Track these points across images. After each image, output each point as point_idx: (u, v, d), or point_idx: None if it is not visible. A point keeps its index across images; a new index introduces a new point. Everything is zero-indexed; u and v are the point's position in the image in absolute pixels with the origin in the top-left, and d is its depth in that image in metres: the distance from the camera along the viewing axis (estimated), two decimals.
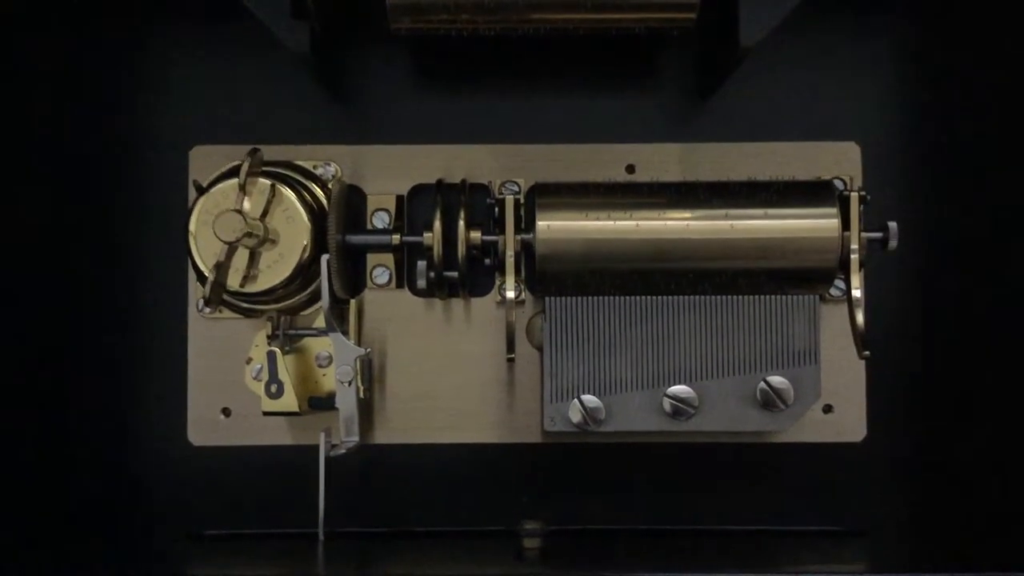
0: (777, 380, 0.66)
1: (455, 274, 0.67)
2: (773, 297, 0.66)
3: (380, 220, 0.71)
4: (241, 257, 0.65)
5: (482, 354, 0.71)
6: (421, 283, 0.67)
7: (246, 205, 0.65)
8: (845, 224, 0.65)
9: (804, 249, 0.65)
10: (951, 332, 0.71)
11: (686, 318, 0.67)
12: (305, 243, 0.66)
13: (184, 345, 0.71)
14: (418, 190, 0.71)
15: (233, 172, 0.67)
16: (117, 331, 0.72)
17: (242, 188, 0.65)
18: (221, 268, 0.64)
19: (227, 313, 0.70)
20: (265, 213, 0.66)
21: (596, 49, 0.71)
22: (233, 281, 0.65)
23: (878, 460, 0.71)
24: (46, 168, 0.71)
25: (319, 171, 0.71)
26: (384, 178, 0.71)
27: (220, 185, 0.66)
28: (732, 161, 0.71)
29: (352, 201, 0.71)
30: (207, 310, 0.71)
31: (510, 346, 0.66)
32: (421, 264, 0.67)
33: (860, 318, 0.65)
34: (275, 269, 0.66)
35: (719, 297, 0.66)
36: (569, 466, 0.71)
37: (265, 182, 0.66)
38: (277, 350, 0.68)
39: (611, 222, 0.65)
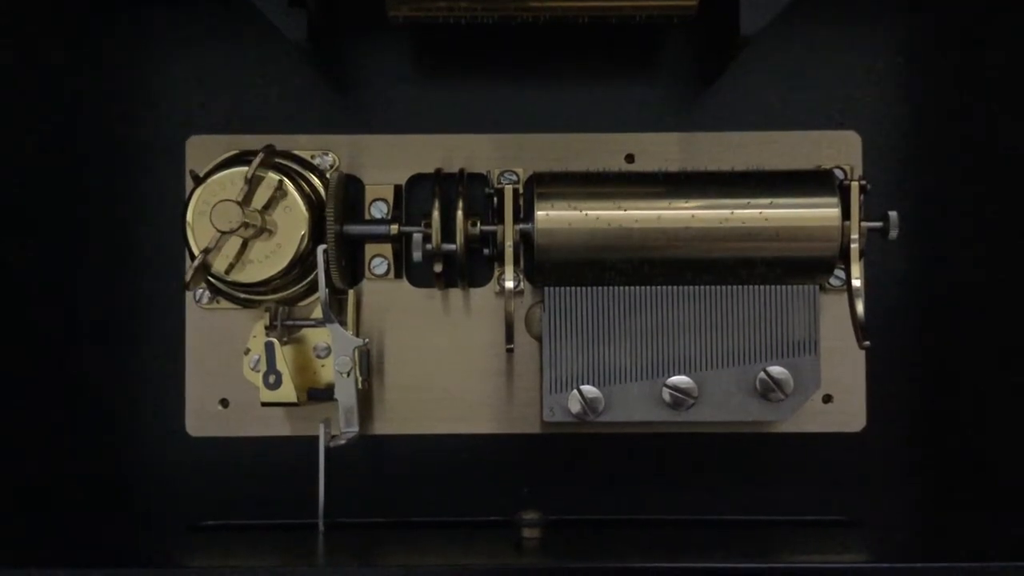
0: (777, 370, 0.66)
1: (453, 247, 0.66)
2: (773, 287, 0.66)
3: (378, 210, 0.71)
4: (233, 245, 0.65)
5: (481, 344, 0.71)
6: (417, 255, 0.66)
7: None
8: (845, 213, 0.65)
9: (804, 238, 0.65)
10: (951, 322, 0.71)
11: (686, 308, 0.66)
12: (303, 233, 0.66)
13: (182, 336, 0.71)
14: (416, 180, 0.71)
15: (229, 162, 0.67)
16: (115, 322, 0.71)
17: (248, 181, 0.64)
18: (208, 254, 0.64)
19: (225, 304, 0.70)
20: (267, 206, 0.66)
21: (596, 38, 0.71)
22: (220, 266, 0.65)
23: (877, 450, 0.71)
24: (42, 158, 0.71)
25: (317, 161, 0.71)
26: (382, 168, 0.71)
27: (217, 175, 0.66)
28: (732, 150, 0.71)
29: (350, 191, 0.71)
30: (204, 300, 0.70)
31: (509, 336, 0.66)
32: (417, 236, 0.66)
33: (860, 308, 0.65)
34: (272, 259, 0.66)
35: (719, 287, 0.66)
36: (568, 456, 0.71)
37: (274, 177, 0.66)
38: (275, 341, 0.67)
39: (610, 211, 0.65)
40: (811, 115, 0.71)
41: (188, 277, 0.64)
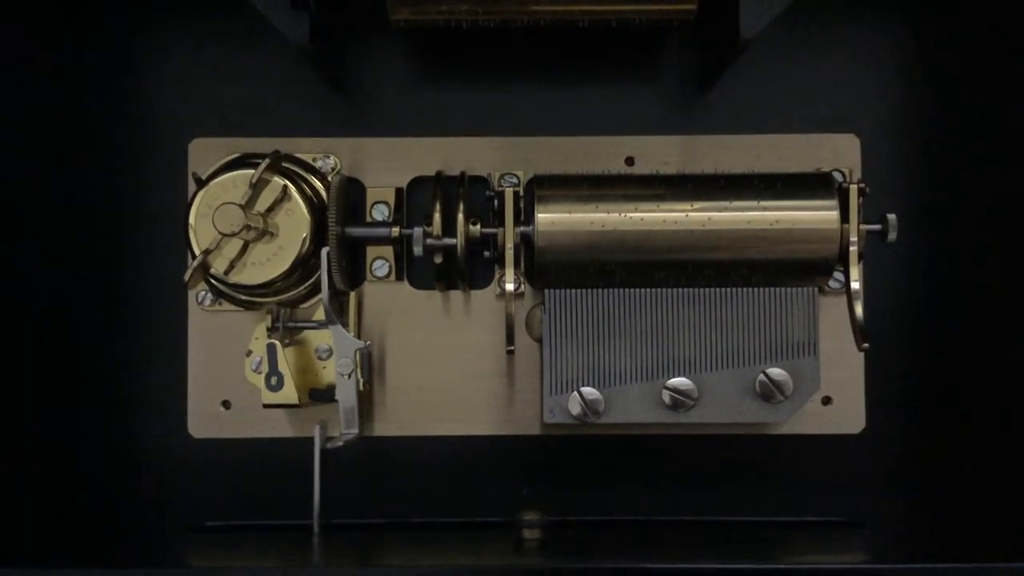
0: (776, 372, 0.66)
1: (453, 241, 0.66)
2: (772, 289, 0.67)
3: (379, 212, 0.71)
4: (234, 246, 0.65)
5: (481, 346, 0.71)
6: (418, 249, 0.66)
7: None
8: (844, 216, 0.65)
9: (803, 241, 0.65)
10: (949, 324, 0.71)
11: (685, 310, 0.67)
12: (304, 236, 0.66)
13: (184, 338, 0.71)
14: (417, 182, 0.71)
15: (232, 165, 0.68)
16: (117, 324, 0.72)
17: (252, 185, 0.65)
18: (209, 254, 0.64)
19: (227, 306, 0.70)
20: (270, 210, 0.66)
21: (596, 41, 0.71)
22: (220, 266, 0.65)
23: (877, 451, 0.71)
24: (45, 161, 0.71)
25: (318, 163, 0.71)
26: (383, 170, 0.71)
27: (220, 178, 0.66)
28: (731, 153, 0.71)
29: (351, 193, 0.71)
30: (206, 302, 0.71)
31: (509, 338, 0.66)
32: (418, 231, 0.66)
33: (859, 310, 0.65)
34: (274, 262, 0.66)
35: (718, 289, 0.67)
36: (568, 458, 0.71)
37: (279, 181, 0.66)
38: (277, 343, 0.68)
39: (610, 214, 0.65)
40: (810, 118, 0.71)
41: (187, 277, 0.64)
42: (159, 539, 0.69)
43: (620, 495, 0.71)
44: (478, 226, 0.67)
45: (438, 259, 0.68)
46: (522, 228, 0.66)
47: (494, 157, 0.71)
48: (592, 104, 0.72)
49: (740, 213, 0.65)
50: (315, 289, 0.69)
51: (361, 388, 0.68)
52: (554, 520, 0.65)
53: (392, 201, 0.71)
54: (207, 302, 0.71)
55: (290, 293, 0.69)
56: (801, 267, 0.66)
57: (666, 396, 0.66)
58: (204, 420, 0.71)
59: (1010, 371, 0.69)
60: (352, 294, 0.70)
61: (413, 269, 0.72)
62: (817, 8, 0.71)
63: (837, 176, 0.70)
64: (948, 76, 0.72)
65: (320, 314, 0.69)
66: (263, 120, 0.72)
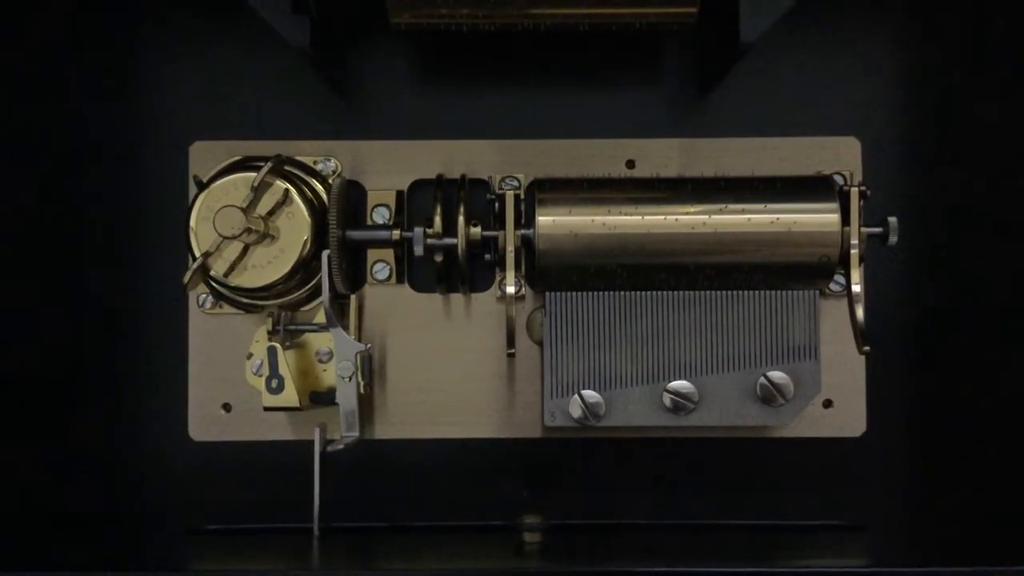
0: (777, 375, 0.66)
1: (454, 240, 0.66)
2: (773, 292, 0.67)
3: (380, 215, 0.71)
4: (234, 248, 0.65)
5: (482, 349, 0.71)
6: (418, 249, 0.66)
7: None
8: (845, 219, 0.65)
9: (804, 244, 0.65)
10: (950, 327, 0.71)
11: (686, 313, 0.67)
12: (305, 239, 0.66)
13: (185, 340, 0.71)
14: (418, 185, 0.71)
15: (233, 167, 0.68)
16: (118, 326, 0.72)
17: (254, 189, 0.65)
18: (209, 256, 0.65)
19: (228, 309, 0.70)
20: (271, 213, 0.66)
21: (596, 44, 0.71)
22: (220, 268, 0.65)
23: (877, 455, 0.71)
24: (46, 164, 0.71)
25: (319, 166, 0.71)
26: (384, 173, 0.71)
27: (221, 181, 0.66)
28: (732, 156, 0.71)
29: (352, 196, 0.71)
30: (207, 305, 0.71)
31: (510, 341, 0.66)
32: (418, 230, 0.66)
33: (860, 313, 0.65)
34: (275, 265, 0.66)
35: (719, 292, 0.67)
36: (569, 461, 0.71)
37: (280, 184, 0.66)
38: (278, 345, 0.68)
39: (611, 217, 0.65)
40: (811, 121, 0.71)
41: (187, 279, 0.65)
42: (159, 542, 0.69)
43: (621, 498, 0.71)
44: (479, 228, 0.67)
45: (439, 258, 0.67)
46: (523, 231, 0.66)
47: (495, 160, 0.71)
48: (593, 107, 0.72)
49: (741, 216, 0.65)
50: (316, 292, 0.69)
51: (362, 391, 0.68)
52: (555, 524, 0.65)
53: (393, 204, 0.71)
54: (208, 305, 0.71)
55: (291, 296, 0.69)
56: (802, 270, 0.66)
57: (667, 399, 0.66)
58: (204, 423, 0.71)
59: (1011, 374, 0.69)
60: (353, 297, 0.70)
61: (414, 272, 0.72)
62: (817, 11, 0.71)
63: (838, 179, 0.70)
64: (948, 78, 0.72)
65: (321, 317, 0.69)
66: (264, 123, 0.72)
